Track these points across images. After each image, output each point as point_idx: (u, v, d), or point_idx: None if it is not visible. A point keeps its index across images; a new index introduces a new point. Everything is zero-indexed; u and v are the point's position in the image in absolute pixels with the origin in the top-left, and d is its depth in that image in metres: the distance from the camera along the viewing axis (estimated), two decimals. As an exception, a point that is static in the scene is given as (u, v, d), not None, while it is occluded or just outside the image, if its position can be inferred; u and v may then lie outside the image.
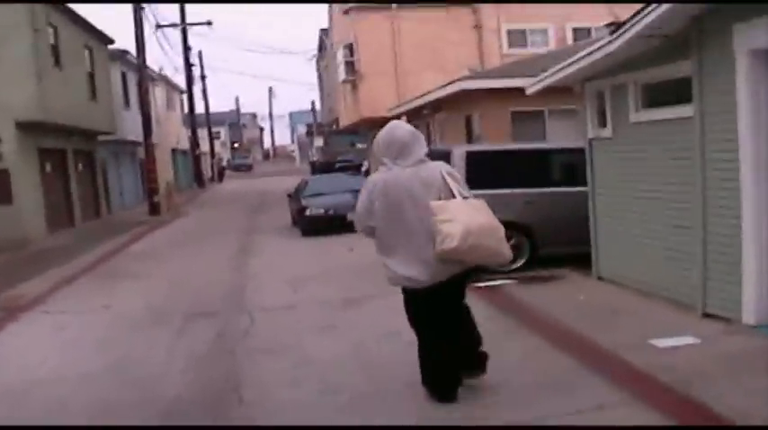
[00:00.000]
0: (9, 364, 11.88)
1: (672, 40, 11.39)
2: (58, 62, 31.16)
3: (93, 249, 26.13)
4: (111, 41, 40.35)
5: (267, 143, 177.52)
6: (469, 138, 23.65)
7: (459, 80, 23.41)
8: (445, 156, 16.62)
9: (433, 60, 37.35)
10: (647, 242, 13.10)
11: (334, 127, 67.11)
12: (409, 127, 8.28)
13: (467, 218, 7.68)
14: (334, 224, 25.82)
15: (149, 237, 30.85)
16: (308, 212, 26.78)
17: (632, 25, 11.50)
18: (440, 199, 7.87)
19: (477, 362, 8.51)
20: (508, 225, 15.50)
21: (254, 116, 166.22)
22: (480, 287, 15.03)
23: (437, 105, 27.07)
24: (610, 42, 12.30)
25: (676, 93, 11.95)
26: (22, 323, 15.02)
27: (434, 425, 7.89)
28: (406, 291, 8.20)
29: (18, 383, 10.64)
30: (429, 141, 29.95)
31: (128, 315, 14.95)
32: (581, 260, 15.82)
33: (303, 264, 20.06)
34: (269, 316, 14.11)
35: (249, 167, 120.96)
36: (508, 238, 13.47)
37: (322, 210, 26.76)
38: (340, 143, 75.87)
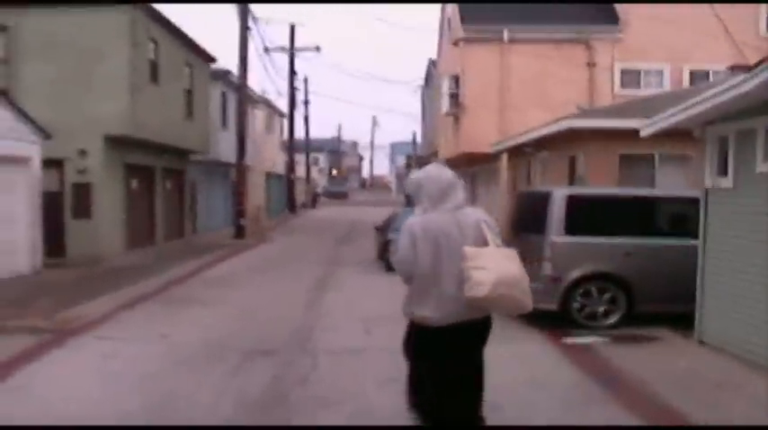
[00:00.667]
0: (36, 397, 10.70)
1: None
2: (155, 77, 30.35)
3: (168, 270, 25.13)
4: (214, 60, 39.58)
5: (366, 172, 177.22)
6: (571, 181, 22.18)
7: (566, 118, 21.89)
8: (544, 199, 15.36)
9: (540, 97, 35.89)
10: (762, 308, 11.55)
11: (434, 160, 66.08)
12: (451, 171, 8.18)
13: (499, 267, 7.58)
14: None
15: (229, 261, 29.80)
16: (392, 248, 25.46)
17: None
18: (474, 245, 7.72)
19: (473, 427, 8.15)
20: (605, 277, 14.43)
21: (354, 144, 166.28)
22: (568, 344, 13.73)
23: (541, 143, 25.61)
24: (744, 82, 10.82)
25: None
26: (67, 349, 13.85)
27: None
28: (416, 326, 8.08)
29: (40, 419, 9.51)
30: (529, 181, 28.51)
31: (184, 347, 13.86)
32: (680, 320, 14.70)
33: (381, 302, 18.79)
34: (334, 360, 12.92)
35: (344, 195, 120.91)
36: (604, 291, 14.79)
37: (406, 246, 25.23)
38: None
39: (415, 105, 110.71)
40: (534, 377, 11.65)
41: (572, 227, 15.21)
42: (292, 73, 68.65)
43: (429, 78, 65.62)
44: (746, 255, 12.23)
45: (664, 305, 15.26)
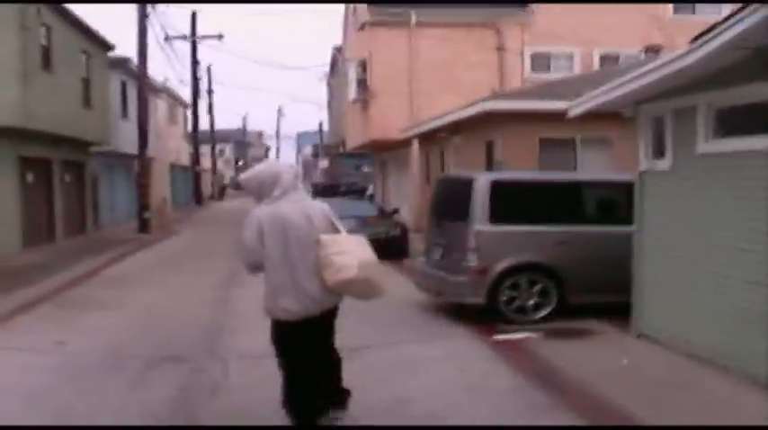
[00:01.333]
0: None
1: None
2: (48, 65, 28.77)
3: (67, 270, 23.72)
4: (111, 48, 38.02)
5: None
6: (489, 166, 21.31)
7: (483, 100, 21.00)
8: (466, 185, 14.44)
9: (450, 82, 35.00)
10: (707, 298, 10.81)
11: (341, 149, 65.16)
12: (291, 164, 8.65)
13: (358, 251, 7.83)
14: None
15: (132, 257, 28.47)
16: None
17: (720, 33, 9.18)
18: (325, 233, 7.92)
19: (340, 399, 8.51)
20: (534, 267, 13.74)
21: (260, 134, 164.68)
22: (499, 341, 12.90)
23: (455, 128, 24.73)
24: (687, 54, 9.94)
25: (762, 119, 9.63)
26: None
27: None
28: (279, 322, 8.10)
29: None
30: (443, 168, 27.63)
31: (82, 355, 12.65)
32: (614, 312, 13.82)
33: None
34: (246, 365, 11.85)
35: None
36: (533, 283, 14.17)
37: (325, 236, 24.30)
38: (345, 166, 74.34)
39: (322, 94, 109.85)
40: (469, 381, 10.69)
41: (498, 215, 14.27)
42: (194, 62, 67.12)
43: (334, 66, 64.62)
44: (685, 242, 11.43)
45: (597, 296, 14.35)
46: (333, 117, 69.02)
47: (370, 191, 52.19)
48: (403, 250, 25.11)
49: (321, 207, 8.16)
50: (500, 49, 36.11)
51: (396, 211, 29.51)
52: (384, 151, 43.15)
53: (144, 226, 38.33)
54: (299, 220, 7.88)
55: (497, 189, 14.36)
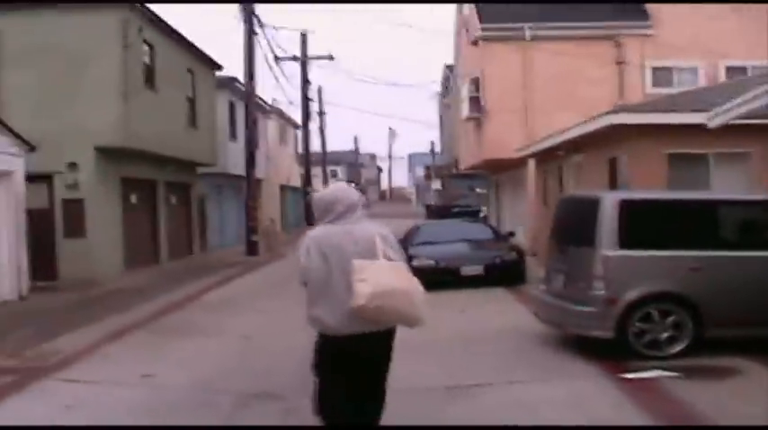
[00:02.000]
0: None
1: None
2: (151, 83, 28.14)
3: (168, 293, 22.94)
4: (219, 67, 37.47)
5: (385, 184, 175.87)
6: (612, 185, 19.77)
7: (607, 114, 19.44)
8: (592, 205, 12.99)
9: (567, 98, 33.37)
10: None
11: (454, 170, 64.05)
12: (352, 189, 8.62)
13: (378, 279, 7.77)
14: (446, 278, 22.60)
15: (237, 281, 27.58)
16: (415, 263, 23.08)
17: None
18: (365, 258, 7.93)
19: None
20: (668, 297, 12.63)
21: (372, 156, 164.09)
22: (630, 380, 11.42)
23: (575, 146, 23.23)
24: None
25: None
26: (25, 396, 11.58)
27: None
28: (321, 335, 8.28)
29: None
30: (561, 188, 26.11)
31: (169, 391, 11.69)
32: (759, 347, 12.31)
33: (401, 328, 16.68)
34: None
35: (365, 207, 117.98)
36: (667, 314, 12.51)
37: (432, 262, 23.41)
38: (458, 187, 73.63)
39: (433, 114, 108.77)
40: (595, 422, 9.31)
41: (627, 238, 12.78)
42: (305, 82, 66.39)
43: (446, 85, 63.37)
44: None
45: (740, 329, 12.80)
46: (445, 137, 67.86)
47: (483, 212, 50.84)
48: (520, 276, 23.67)
49: (373, 231, 8.13)
50: (620, 62, 34.44)
51: (511, 234, 28.09)
52: (498, 171, 41.76)
53: (252, 248, 37.56)
54: (343, 243, 7.95)
55: (627, 209, 12.87)
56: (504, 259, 23.62)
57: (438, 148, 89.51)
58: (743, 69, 33.79)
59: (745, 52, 33.43)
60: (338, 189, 8.53)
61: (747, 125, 16.31)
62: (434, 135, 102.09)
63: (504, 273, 23.32)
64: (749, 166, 18.36)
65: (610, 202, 12.94)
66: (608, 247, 12.71)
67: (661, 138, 18.16)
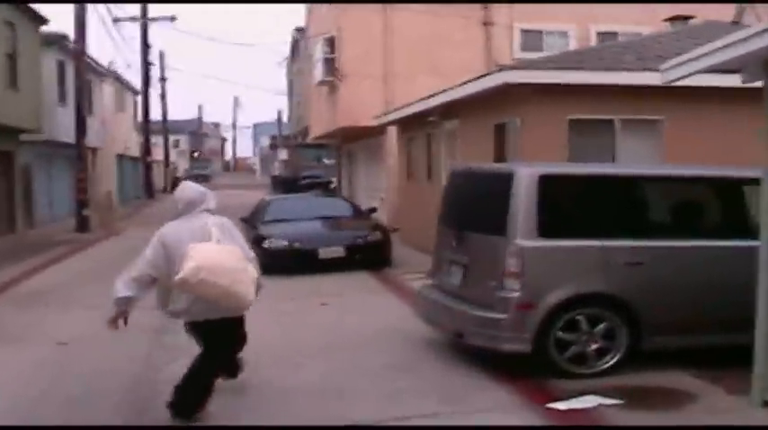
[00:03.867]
0: None
1: None
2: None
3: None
4: (44, 21, 33.35)
5: (229, 155, 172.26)
6: (499, 157, 16.98)
7: (500, 71, 16.38)
8: (499, 181, 10.17)
9: (430, 63, 30.61)
10: None
11: (301, 139, 61.30)
12: (197, 187, 9.39)
13: (204, 257, 8.37)
14: (302, 262, 20.16)
15: (62, 264, 24.04)
16: (266, 244, 20.37)
17: None
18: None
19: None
20: (598, 299, 10.17)
21: (216, 126, 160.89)
22: (559, 410, 8.94)
23: (448, 111, 20.32)
24: None
25: None
26: None
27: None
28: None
29: None
30: (429, 159, 23.28)
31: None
32: (696, 358, 10.24)
33: (255, 326, 13.85)
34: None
35: (207, 178, 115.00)
36: (596, 321, 10.07)
37: (285, 242, 20.69)
38: (305, 157, 71.25)
39: (282, 82, 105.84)
40: None
41: (548, 225, 10.03)
42: (145, 45, 62.44)
43: (295, 50, 60.09)
44: None
45: (685, 338, 10.27)
46: (294, 105, 64.54)
47: (333, 184, 48.04)
48: (385, 258, 20.97)
49: (213, 222, 8.92)
50: (487, 23, 31.77)
51: (373, 210, 25.19)
52: (351, 140, 38.91)
53: (83, 224, 33.83)
54: (183, 236, 8.66)
55: (548, 187, 10.10)
56: (368, 239, 21.03)
57: (286, 118, 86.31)
58: (614, 35, 31.56)
59: (615, 18, 31.54)
60: (180, 189, 9.30)
61: (658, 89, 13.92)
62: (282, 103, 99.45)
63: (368, 255, 20.71)
64: (658, 135, 15.85)
65: (526, 178, 10.12)
66: (523, 236, 9.97)
67: (563, 101, 15.44)
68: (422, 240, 22.98)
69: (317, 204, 24.54)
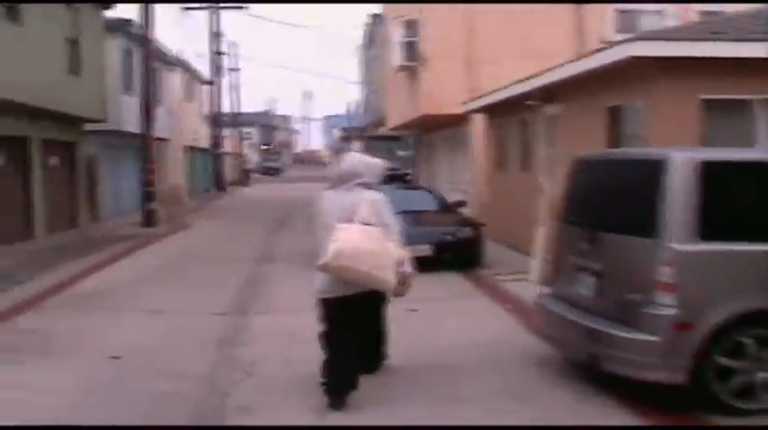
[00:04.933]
0: None
1: None
2: (14, 15, 22.26)
3: (25, 283, 17.59)
4: (108, 4, 31.49)
5: (300, 147, 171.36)
6: (612, 144, 14.86)
7: (623, 42, 14.02)
8: (644, 170, 8.12)
9: (517, 46, 28.42)
10: None
11: (374, 131, 59.40)
12: (361, 157, 9.55)
13: (346, 241, 8.43)
14: None
15: (125, 261, 22.29)
16: None
17: None
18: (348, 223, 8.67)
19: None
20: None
21: (287, 118, 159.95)
22: None
23: (549, 94, 18.22)
24: None
25: None
26: None
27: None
28: (318, 301, 9.17)
29: None
30: (524, 149, 21.21)
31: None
32: None
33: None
34: None
35: (277, 171, 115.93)
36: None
37: (366, 241, 18.15)
38: (378, 149, 69.16)
39: (354, 73, 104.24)
40: None
41: (710, 224, 8.02)
42: (217, 34, 61.01)
43: (370, 38, 58.11)
44: None
45: None
46: (368, 95, 62.52)
47: (409, 176, 46.11)
48: (477, 257, 18.92)
49: (364, 197, 8.81)
50: (580, 1, 29.43)
51: (462, 204, 23.01)
52: (431, 130, 36.84)
53: (149, 218, 32.16)
54: (333, 209, 8.88)
55: (710, 178, 8.07)
56: (458, 236, 19.00)
57: (359, 109, 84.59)
58: (715, 14, 29.09)
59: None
60: (344, 160, 9.36)
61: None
62: (355, 94, 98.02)
63: (458, 253, 18.77)
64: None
65: (683, 166, 8.11)
66: (679, 239, 7.99)
67: (695, 79, 13.22)
68: (513, 236, 20.99)
69: (400, 197, 22.33)
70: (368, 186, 9.00)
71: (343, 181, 9.01)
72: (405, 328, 12.12)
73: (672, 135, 12.78)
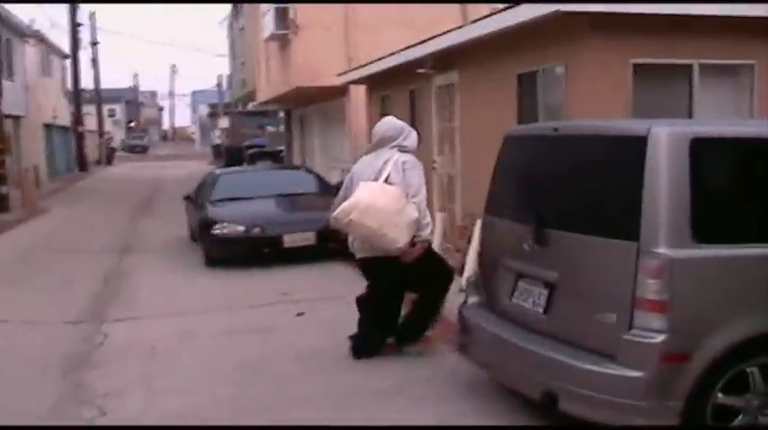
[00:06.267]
0: None
1: None
2: None
3: None
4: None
5: (167, 124, 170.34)
6: (524, 116, 12.91)
7: None
8: (616, 149, 6.04)
9: (398, 12, 26.53)
10: None
11: (242, 106, 57.22)
12: (394, 123, 9.41)
13: (360, 197, 8.72)
14: (261, 251, 16.33)
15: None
16: (217, 231, 16.42)
17: None
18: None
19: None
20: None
21: (153, 94, 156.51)
22: None
23: (445, 61, 16.22)
24: None
25: None
26: None
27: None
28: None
29: None
30: (413, 121, 19.22)
31: None
32: None
33: (203, 342, 10.68)
34: None
35: (144, 149, 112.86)
36: None
37: (241, 228, 16.45)
38: (248, 125, 67.65)
39: (222, 45, 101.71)
40: None
41: (708, 222, 6.08)
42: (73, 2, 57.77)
43: (239, 6, 55.48)
44: None
45: None
46: (236, 68, 59.85)
47: (283, 154, 44.08)
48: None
49: (390, 158, 8.96)
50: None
51: (344, 185, 21.00)
52: (305, 104, 34.80)
53: (0, 204, 29.23)
54: (361, 171, 9.20)
55: (708, 160, 6.14)
56: (343, 224, 16.76)
57: (226, 84, 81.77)
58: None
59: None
60: (378, 124, 9.54)
61: (748, 26, 10.97)
62: (223, 68, 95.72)
63: (342, 241, 16.41)
64: (748, 85, 11.90)
65: (672, 144, 6.11)
66: (669, 242, 6.06)
67: (625, 41, 11.27)
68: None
69: (276, 178, 20.34)
70: (403, 150, 9.10)
71: (377, 145, 9.23)
72: (292, 340, 10.13)
73: (596, 105, 10.91)
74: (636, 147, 6.13)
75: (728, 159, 6.37)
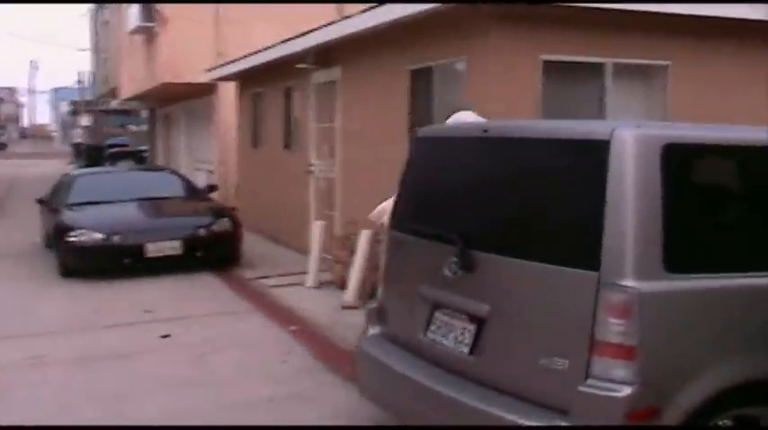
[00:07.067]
0: None
1: None
2: None
3: None
4: None
5: (27, 121, 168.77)
6: (420, 116, 11.67)
7: None
8: (566, 156, 4.73)
9: (270, 8, 25.17)
10: None
11: (104, 103, 55.58)
12: (468, 116, 8.33)
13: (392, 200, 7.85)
14: (121, 261, 14.93)
15: None
16: (73, 238, 15.03)
17: None
18: None
19: None
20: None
21: (12, 90, 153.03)
22: None
23: (327, 56, 14.94)
24: None
25: None
26: None
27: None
28: None
29: None
30: (288, 122, 17.94)
31: None
32: None
33: (51, 371, 9.26)
34: None
35: (3, 146, 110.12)
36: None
37: (99, 236, 15.04)
38: (110, 124, 66.30)
39: (85, 40, 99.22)
40: None
41: (683, 248, 4.94)
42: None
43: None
44: None
45: None
46: (99, 63, 57.70)
47: (146, 154, 42.63)
48: (236, 255, 15.89)
49: None
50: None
51: (214, 188, 19.58)
52: (170, 102, 33.36)
53: None
54: None
55: (680, 170, 5.02)
56: (214, 230, 15.68)
57: (89, 80, 79.39)
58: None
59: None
60: (454, 118, 8.41)
61: (667, 25, 10.48)
62: (86, 64, 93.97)
63: (213, 251, 15.50)
64: (661, 86, 10.98)
65: (638, 150, 4.92)
66: (637, 272, 4.86)
67: (534, 37, 10.16)
68: (273, 227, 18.04)
69: (139, 180, 18.93)
70: None
71: None
72: (156, 372, 8.80)
73: (502, 105, 9.80)
74: (595, 154, 4.93)
75: (710, 170, 5.24)
